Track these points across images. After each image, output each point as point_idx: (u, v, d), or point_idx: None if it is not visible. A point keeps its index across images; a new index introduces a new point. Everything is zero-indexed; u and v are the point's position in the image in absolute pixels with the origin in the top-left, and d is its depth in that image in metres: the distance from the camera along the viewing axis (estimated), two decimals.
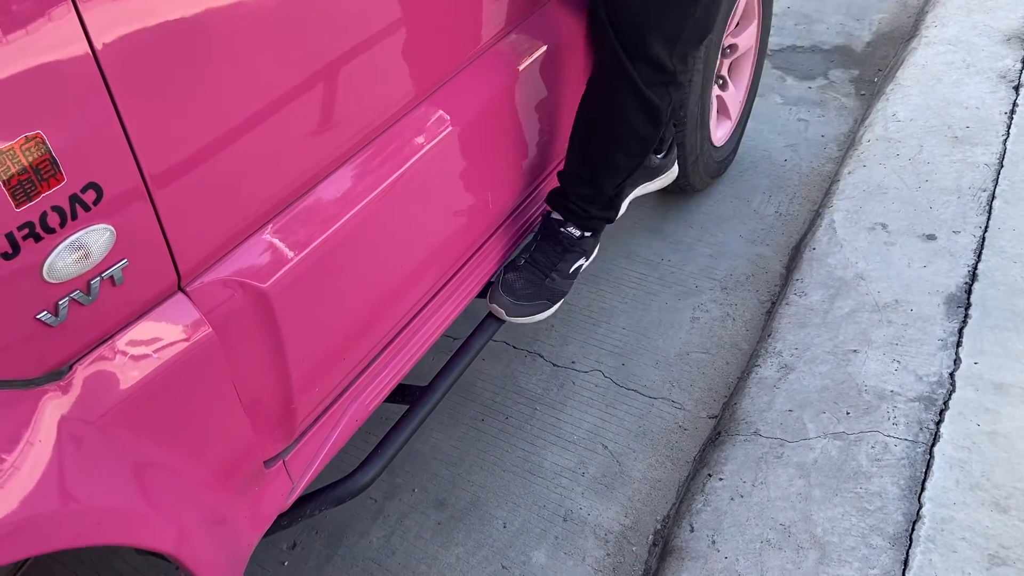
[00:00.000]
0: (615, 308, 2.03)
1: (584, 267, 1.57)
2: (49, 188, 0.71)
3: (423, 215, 1.20)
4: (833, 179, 2.30)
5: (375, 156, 1.08)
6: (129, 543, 0.81)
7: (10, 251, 0.70)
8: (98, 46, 0.72)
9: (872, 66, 2.90)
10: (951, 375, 1.61)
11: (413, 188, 1.15)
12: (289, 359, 1.00)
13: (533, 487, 1.67)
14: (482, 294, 1.49)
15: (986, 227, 1.97)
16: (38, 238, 0.71)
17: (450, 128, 1.18)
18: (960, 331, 1.71)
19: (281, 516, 1.15)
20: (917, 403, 1.58)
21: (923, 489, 1.42)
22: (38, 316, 0.74)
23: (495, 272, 1.47)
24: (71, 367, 0.79)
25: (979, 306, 1.76)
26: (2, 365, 0.73)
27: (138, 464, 0.85)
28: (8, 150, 0.67)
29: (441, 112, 1.18)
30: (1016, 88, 2.47)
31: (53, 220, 0.72)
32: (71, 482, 0.76)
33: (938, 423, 1.53)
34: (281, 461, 1.10)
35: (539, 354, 1.94)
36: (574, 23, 1.45)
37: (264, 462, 1.06)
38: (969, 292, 1.80)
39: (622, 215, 1.76)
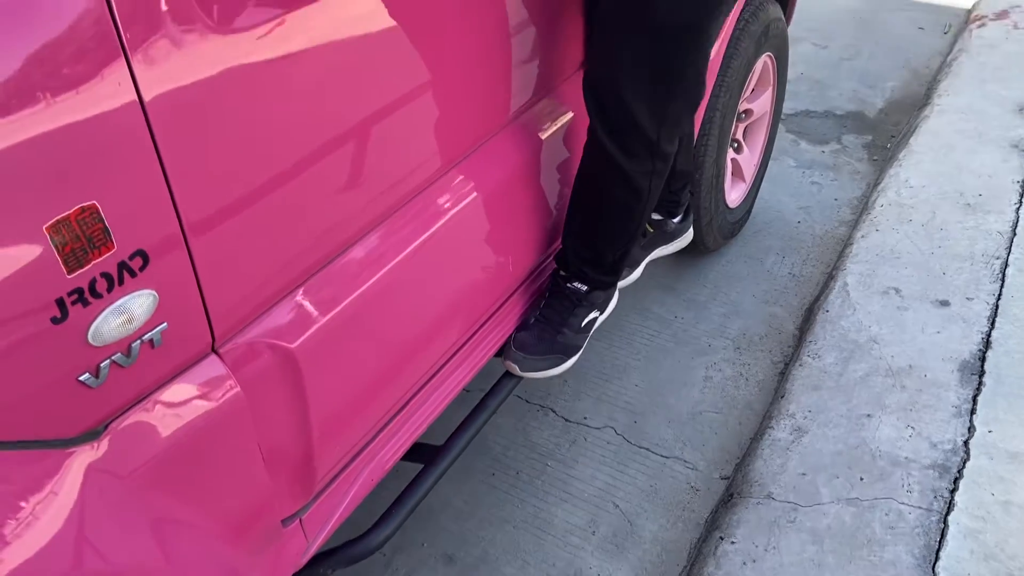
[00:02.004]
0: (628, 364, 2.04)
1: (599, 320, 1.59)
2: (100, 256, 0.74)
3: (446, 279, 1.24)
4: (846, 242, 2.33)
5: (401, 223, 1.12)
6: None
7: (59, 316, 0.73)
8: (153, 120, 0.76)
9: (884, 132, 2.95)
10: (965, 443, 1.62)
11: (437, 253, 1.18)
12: (312, 418, 1.03)
13: (543, 544, 1.67)
14: (499, 353, 1.51)
15: (999, 295, 1.99)
16: (86, 303, 0.75)
17: (473, 196, 1.23)
18: (974, 398, 1.71)
19: (295, 575, 1.16)
20: (931, 471, 1.58)
21: (937, 559, 1.42)
22: (80, 378, 0.77)
23: (511, 333, 1.50)
24: (106, 427, 0.82)
25: (993, 374, 1.77)
26: (43, 425, 0.75)
27: (162, 522, 0.87)
28: (64, 220, 0.71)
29: (466, 181, 1.22)
30: None
31: (101, 286, 0.75)
32: (99, 541, 0.78)
33: (952, 491, 1.53)
34: (298, 520, 1.11)
35: (552, 409, 1.95)
36: None
37: (282, 520, 1.08)
38: (983, 359, 1.81)
39: (637, 277, 1.79)
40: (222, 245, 0.87)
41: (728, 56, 1.90)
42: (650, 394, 1.97)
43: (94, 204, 0.73)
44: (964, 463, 1.58)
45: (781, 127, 2.94)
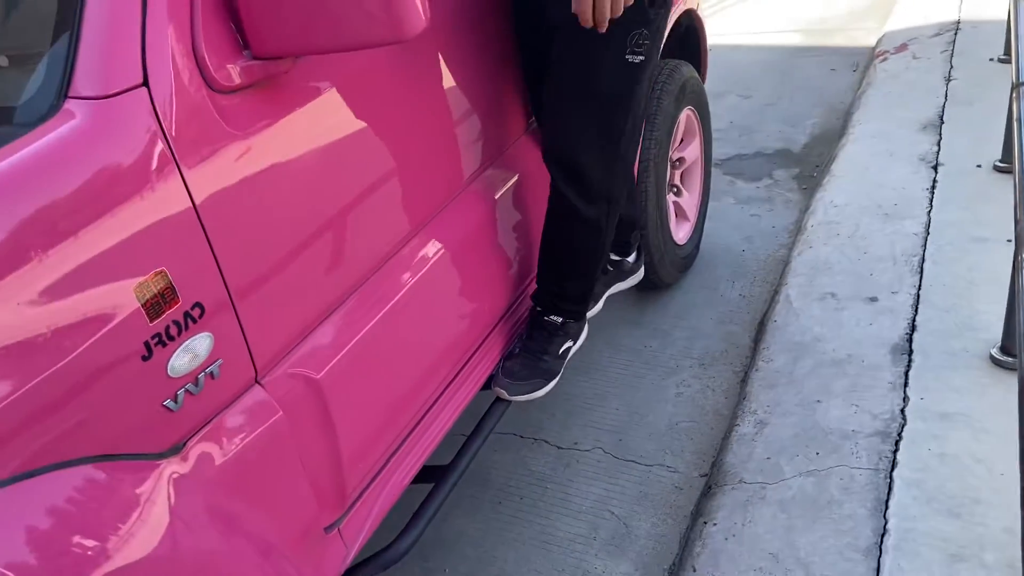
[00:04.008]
0: (607, 393, 2.28)
1: (573, 349, 1.84)
2: (171, 307, 0.99)
3: (435, 318, 1.49)
4: (786, 262, 2.61)
5: (395, 269, 1.38)
6: None
7: (146, 354, 0.97)
8: (201, 210, 1.02)
9: (810, 163, 3.28)
10: (902, 411, 1.86)
11: (425, 296, 1.44)
12: (339, 435, 1.25)
13: (551, 554, 1.86)
14: (487, 387, 1.75)
15: (919, 285, 2.26)
16: (164, 344, 0.98)
17: (449, 246, 1.49)
18: (906, 373, 1.96)
19: None
20: (875, 437, 1.81)
21: (887, 507, 1.63)
22: (164, 403, 1.00)
23: (497, 363, 1.74)
24: (185, 444, 1.04)
25: (920, 351, 2.02)
26: (140, 441, 0.98)
27: (230, 523, 1.09)
28: (145, 281, 0.96)
29: (440, 235, 1.49)
30: (934, 167, 2.83)
31: (173, 330, 0.99)
32: (186, 533, 1.00)
33: (895, 452, 1.76)
34: (337, 529, 1.32)
35: (544, 440, 2.17)
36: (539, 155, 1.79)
37: (324, 528, 1.29)
38: (911, 341, 2.07)
39: (600, 310, 2.05)
40: (255, 299, 1.11)
41: (652, 114, 2.21)
42: (630, 415, 2.20)
43: (163, 269, 0.98)
44: (902, 428, 1.81)
45: (718, 170, 3.27)
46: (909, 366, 1.98)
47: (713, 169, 3.26)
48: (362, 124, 1.28)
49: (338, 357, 1.25)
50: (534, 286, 1.81)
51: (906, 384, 1.93)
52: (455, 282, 1.55)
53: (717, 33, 4.70)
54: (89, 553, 0.90)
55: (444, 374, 1.55)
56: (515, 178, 1.74)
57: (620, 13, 1.43)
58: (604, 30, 1.44)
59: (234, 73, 1.07)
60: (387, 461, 1.42)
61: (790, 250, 2.66)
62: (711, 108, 3.71)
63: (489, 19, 1.65)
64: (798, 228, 2.78)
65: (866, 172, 2.90)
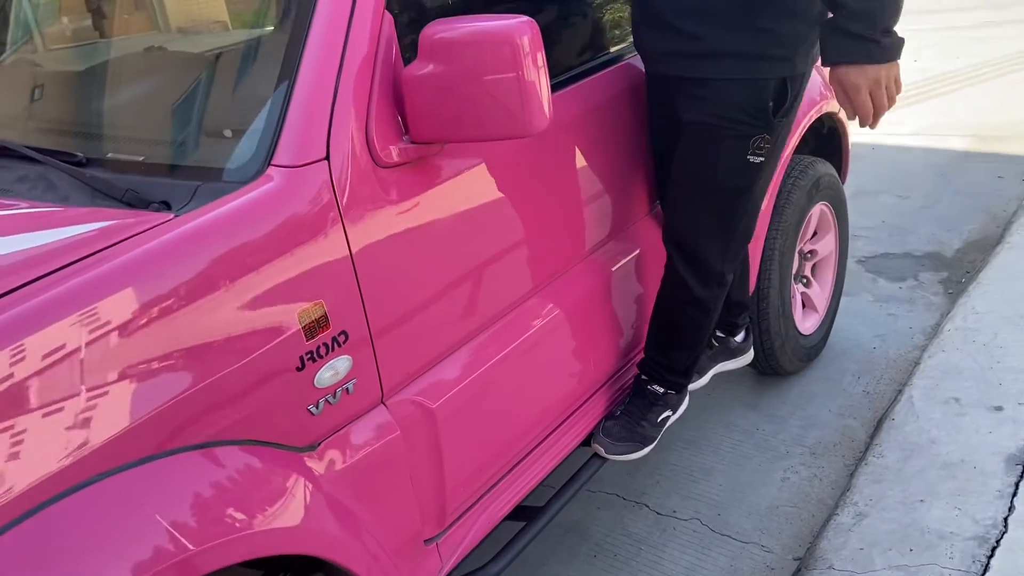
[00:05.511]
0: (713, 468, 2.36)
1: (672, 419, 1.98)
2: (323, 331, 1.26)
3: (544, 370, 1.69)
4: (915, 363, 2.60)
5: (513, 321, 1.61)
6: (344, 564, 1.26)
7: (300, 366, 1.24)
8: (355, 259, 1.29)
9: (960, 269, 3.23)
10: (1005, 519, 1.84)
11: (537, 350, 1.65)
12: (445, 459, 1.47)
13: None
14: (587, 443, 1.91)
15: None
16: (314, 360, 1.25)
17: (563, 308, 1.70)
18: (1017, 484, 1.94)
19: None
20: (973, 541, 1.81)
21: None
22: (308, 408, 1.26)
23: (598, 422, 1.91)
24: (320, 444, 1.30)
25: None
26: (287, 435, 1.24)
27: (349, 517, 1.33)
28: (307, 308, 1.23)
29: (557, 297, 1.70)
30: None
31: (323, 350, 1.26)
32: (315, 515, 1.24)
33: (989, 557, 1.75)
34: (436, 543, 1.53)
35: (645, 504, 2.29)
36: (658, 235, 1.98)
37: (425, 540, 1.50)
38: None
39: (706, 384, 2.17)
40: (389, 334, 1.37)
41: (780, 206, 2.34)
42: (733, 492, 2.28)
43: (321, 301, 1.26)
44: (1002, 535, 1.80)
45: (860, 267, 3.28)
46: (1022, 477, 1.95)
47: (857, 266, 3.29)
48: (496, 199, 1.53)
49: (452, 392, 1.48)
50: (642, 355, 1.98)
51: (1015, 494, 1.91)
52: (566, 341, 1.76)
53: (884, 133, 4.70)
54: (237, 524, 1.15)
55: (547, 423, 1.74)
56: (633, 254, 1.93)
57: (886, 109, 1.61)
58: (875, 127, 1.64)
59: (394, 153, 1.36)
60: (487, 492, 1.62)
61: (922, 352, 2.65)
62: (865, 206, 3.76)
63: (620, 116, 1.88)
64: (935, 331, 2.76)
65: (1015, 282, 2.84)
